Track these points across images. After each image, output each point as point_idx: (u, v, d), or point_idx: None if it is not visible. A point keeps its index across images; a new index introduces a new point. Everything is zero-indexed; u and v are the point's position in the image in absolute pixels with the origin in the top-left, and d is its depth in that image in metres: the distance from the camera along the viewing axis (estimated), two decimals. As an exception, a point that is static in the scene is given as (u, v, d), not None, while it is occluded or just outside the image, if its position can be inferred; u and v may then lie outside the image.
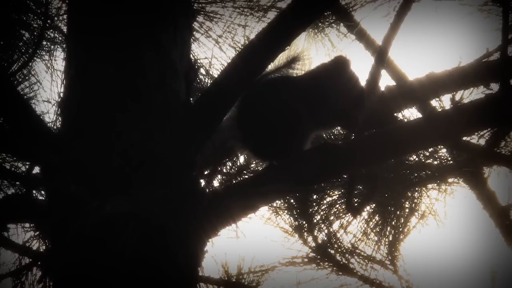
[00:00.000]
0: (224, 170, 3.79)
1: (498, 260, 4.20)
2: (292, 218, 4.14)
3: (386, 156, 3.14)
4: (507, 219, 4.02)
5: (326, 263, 4.17)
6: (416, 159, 3.91)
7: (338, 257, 4.18)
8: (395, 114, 3.51)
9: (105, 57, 2.98)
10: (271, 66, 3.08)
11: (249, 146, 3.10)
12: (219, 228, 3.00)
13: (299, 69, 3.13)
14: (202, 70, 3.81)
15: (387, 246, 4.13)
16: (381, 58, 3.11)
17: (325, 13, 4.09)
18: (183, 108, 2.97)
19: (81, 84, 2.98)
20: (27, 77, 3.75)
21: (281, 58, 3.10)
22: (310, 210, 4.10)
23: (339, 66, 3.05)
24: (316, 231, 4.15)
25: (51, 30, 3.82)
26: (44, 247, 3.71)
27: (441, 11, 3.94)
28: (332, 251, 4.17)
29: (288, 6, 2.91)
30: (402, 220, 4.06)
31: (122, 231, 2.67)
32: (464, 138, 3.61)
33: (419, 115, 3.57)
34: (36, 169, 3.38)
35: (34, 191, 3.33)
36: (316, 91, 3.02)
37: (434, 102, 3.59)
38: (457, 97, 3.38)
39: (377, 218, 4.08)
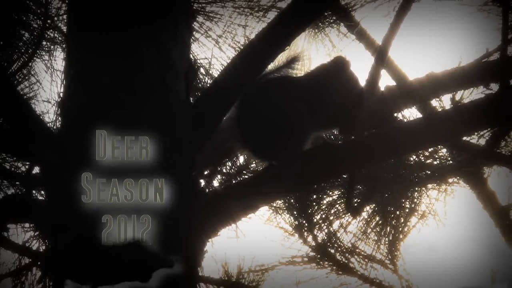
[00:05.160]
0: (224, 170, 3.80)
1: (498, 260, 4.21)
2: (292, 218, 4.15)
3: (386, 156, 3.14)
4: (507, 219, 4.02)
5: (326, 262, 4.18)
6: (416, 159, 3.91)
7: (338, 257, 4.18)
8: (395, 114, 3.51)
9: (104, 56, 2.97)
10: (271, 66, 3.08)
11: (249, 146, 3.10)
12: (219, 228, 3.00)
13: (299, 69, 3.13)
14: (202, 70, 3.82)
15: (387, 245, 4.14)
16: (381, 58, 3.11)
17: (325, 13, 4.09)
18: (183, 108, 2.97)
19: (81, 84, 2.98)
20: (27, 77, 3.76)
21: (281, 58, 3.10)
22: (310, 209, 4.10)
23: (338, 66, 3.06)
24: (316, 231, 4.15)
25: (51, 30, 3.82)
26: (44, 247, 3.72)
27: (441, 11, 3.94)
28: (332, 251, 4.17)
29: (288, 6, 2.91)
30: (402, 220, 4.06)
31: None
32: (464, 138, 3.61)
33: (419, 115, 3.57)
34: (36, 169, 3.39)
35: (34, 191, 3.34)
36: (315, 91, 3.02)
37: (434, 102, 3.59)
38: (457, 97, 3.38)
39: (377, 218, 4.09)
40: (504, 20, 3.00)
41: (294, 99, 3.00)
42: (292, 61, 3.11)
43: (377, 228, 4.09)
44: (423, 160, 3.92)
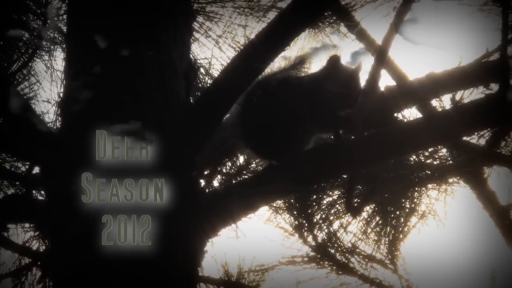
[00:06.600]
0: (224, 170, 3.80)
1: (498, 260, 4.21)
2: (292, 218, 4.15)
3: (386, 156, 3.14)
4: (507, 219, 4.02)
5: (326, 262, 4.18)
6: (416, 159, 3.92)
7: (338, 256, 4.19)
8: (395, 114, 3.51)
9: (104, 57, 2.97)
10: (277, 68, 3.09)
11: (250, 145, 3.10)
12: (219, 228, 3.00)
13: (303, 71, 3.14)
14: (202, 70, 3.82)
15: (387, 245, 4.14)
16: (381, 58, 3.11)
17: (325, 13, 4.09)
18: (183, 108, 2.98)
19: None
20: (27, 77, 3.76)
21: (287, 60, 3.11)
22: (310, 209, 4.10)
23: (333, 64, 3.07)
24: (316, 231, 4.15)
25: (51, 30, 3.82)
26: (44, 247, 3.72)
27: (441, 11, 3.94)
28: (332, 251, 4.17)
29: (288, 6, 2.91)
30: (402, 220, 4.07)
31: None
32: (464, 138, 3.61)
33: (419, 115, 3.57)
34: (36, 169, 3.39)
35: (34, 191, 3.34)
36: (315, 91, 3.03)
37: (434, 102, 3.60)
38: (457, 97, 3.38)
39: (377, 218, 4.09)
40: (504, 20, 3.00)
41: (296, 99, 3.00)
42: (299, 63, 3.12)
43: (377, 228, 4.10)
44: (423, 160, 3.93)
